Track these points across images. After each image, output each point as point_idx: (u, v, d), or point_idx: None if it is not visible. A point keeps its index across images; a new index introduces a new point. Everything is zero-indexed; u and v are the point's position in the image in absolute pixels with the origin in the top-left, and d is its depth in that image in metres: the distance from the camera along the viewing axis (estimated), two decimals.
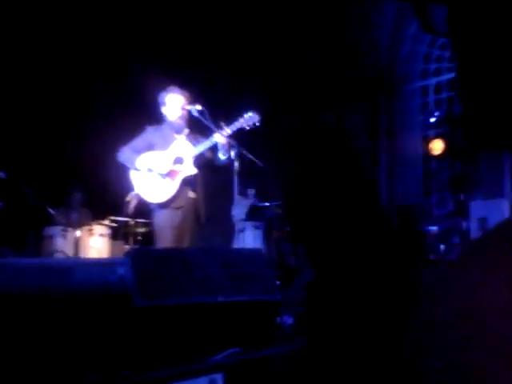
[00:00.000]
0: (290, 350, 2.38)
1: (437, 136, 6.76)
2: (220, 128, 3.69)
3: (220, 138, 3.64)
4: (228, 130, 3.65)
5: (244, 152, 3.82)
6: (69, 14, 6.28)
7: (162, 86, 3.96)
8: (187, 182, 3.72)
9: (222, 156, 3.72)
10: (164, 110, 3.88)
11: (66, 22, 6.30)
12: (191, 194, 3.76)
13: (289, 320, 3.13)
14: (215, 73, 7.18)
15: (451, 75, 7.38)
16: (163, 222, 3.70)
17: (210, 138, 3.70)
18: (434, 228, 5.59)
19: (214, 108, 3.86)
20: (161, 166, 3.72)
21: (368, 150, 7.61)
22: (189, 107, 3.78)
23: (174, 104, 3.83)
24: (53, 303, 1.81)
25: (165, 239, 3.68)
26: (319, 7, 7.07)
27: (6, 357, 1.67)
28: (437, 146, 6.62)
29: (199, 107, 3.76)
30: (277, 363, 2.29)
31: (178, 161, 3.74)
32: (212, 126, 3.72)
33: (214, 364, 2.01)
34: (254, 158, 3.95)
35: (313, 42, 7.43)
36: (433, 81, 7.83)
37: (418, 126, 7.69)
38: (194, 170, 3.70)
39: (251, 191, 6.32)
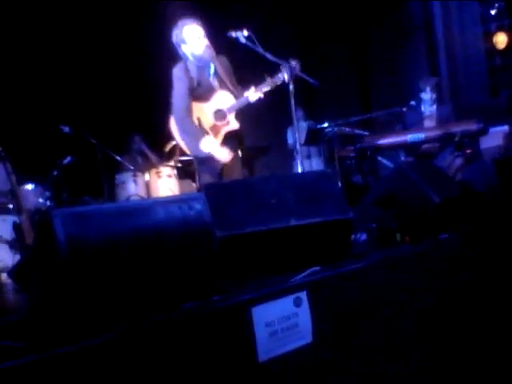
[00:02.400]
0: (366, 265, 2.43)
1: (499, 29, 6.28)
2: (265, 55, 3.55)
3: (253, 96, 3.54)
4: (264, 90, 3.53)
5: (297, 72, 3.70)
6: None
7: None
8: (231, 136, 3.66)
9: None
10: (185, 48, 3.62)
11: None
12: (234, 149, 3.71)
13: (363, 236, 3.17)
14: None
15: None
16: (207, 175, 3.71)
17: (242, 97, 3.58)
18: (504, 127, 5.32)
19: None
20: (204, 120, 3.66)
21: (425, 48, 7.20)
22: (235, 34, 3.60)
23: (196, 35, 3.56)
24: (139, 242, 1.92)
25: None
26: None
27: (106, 294, 1.81)
28: (500, 40, 6.17)
29: (246, 32, 3.58)
30: (355, 278, 2.35)
31: (220, 115, 3.64)
32: (262, 51, 3.60)
33: (296, 283, 2.10)
34: (308, 79, 3.83)
35: None
36: None
37: (478, 19, 7.14)
38: (236, 125, 3.61)
39: (299, 113, 6.18)
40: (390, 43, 7.30)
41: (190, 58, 3.66)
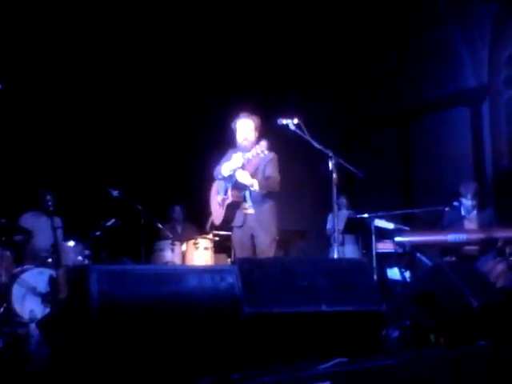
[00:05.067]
0: (396, 363, 2.33)
1: None
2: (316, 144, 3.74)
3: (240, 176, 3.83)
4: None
5: (341, 162, 3.81)
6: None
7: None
8: (234, 206, 3.89)
9: None
10: (236, 135, 4.11)
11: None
12: (246, 211, 3.92)
13: (395, 333, 3.05)
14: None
15: None
16: (233, 238, 4.11)
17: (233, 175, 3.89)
18: None
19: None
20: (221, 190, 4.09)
21: (471, 150, 7.26)
22: (285, 121, 3.81)
23: (243, 128, 4.04)
24: (169, 308, 1.94)
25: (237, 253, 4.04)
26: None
27: (125, 359, 1.80)
28: None
29: (296, 121, 3.79)
30: (383, 376, 2.25)
31: (225, 190, 3.98)
32: (310, 138, 3.76)
33: (320, 372, 2.03)
34: (352, 169, 3.93)
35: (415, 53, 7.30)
36: None
37: None
38: (231, 199, 3.89)
39: (342, 201, 6.21)
40: (435, 141, 7.39)
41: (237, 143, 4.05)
